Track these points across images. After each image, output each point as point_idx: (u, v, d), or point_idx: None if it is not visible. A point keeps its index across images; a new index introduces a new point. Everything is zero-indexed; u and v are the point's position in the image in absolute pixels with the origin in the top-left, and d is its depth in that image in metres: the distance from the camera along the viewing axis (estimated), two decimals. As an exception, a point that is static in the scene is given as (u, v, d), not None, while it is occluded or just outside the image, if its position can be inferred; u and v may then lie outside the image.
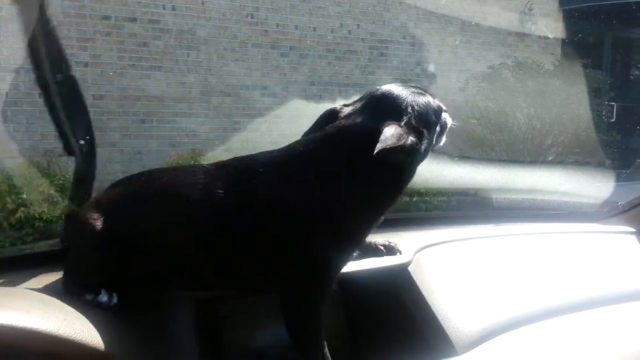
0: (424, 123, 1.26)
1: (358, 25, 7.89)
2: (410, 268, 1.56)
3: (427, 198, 5.27)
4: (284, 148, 1.30)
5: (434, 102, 1.33)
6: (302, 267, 1.25)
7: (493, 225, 2.07)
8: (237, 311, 1.49)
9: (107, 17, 6.38)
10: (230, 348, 1.47)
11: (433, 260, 1.66)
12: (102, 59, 6.37)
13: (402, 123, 1.21)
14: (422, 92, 1.32)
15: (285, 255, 1.24)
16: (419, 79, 8.14)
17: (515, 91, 7.80)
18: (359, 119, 1.25)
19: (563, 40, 9.07)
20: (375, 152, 1.13)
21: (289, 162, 1.25)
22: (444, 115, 1.36)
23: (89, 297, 1.25)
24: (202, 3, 6.88)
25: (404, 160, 1.21)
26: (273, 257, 1.25)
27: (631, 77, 11.70)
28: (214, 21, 6.96)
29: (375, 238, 1.56)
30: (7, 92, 5.93)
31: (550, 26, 8.84)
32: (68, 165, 5.80)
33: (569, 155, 7.48)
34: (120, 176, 1.46)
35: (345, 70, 7.79)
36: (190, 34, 6.81)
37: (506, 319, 1.55)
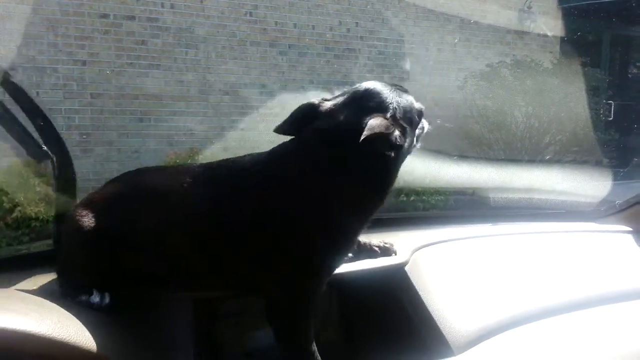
0: (408, 120, 1.27)
1: (357, 23, 7.87)
2: (406, 268, 1.55)
3: (424, 197, 5.27)
4: (274, 148, 1.29)
5: (416, 103, 1.33)
6: (293, 267, 1.24)
7: (490, 224, 2.07)
8: (233, 311, 1.48)
9: (105, 15, 6.37)
10: (226, 348, 1.47)
11: (430, 260, 1.66)
12: (100, 57, 6.36)
13: (388, 116, 1.22)
14: (405, 90, 1.32)
15: (276, 256, 1.24)
16: (418, 77, 8.13)
17: (514, 89, 7.80)
18: (344, 115, 1.23)
19: (562, 39, 9.06)
20: (362, 138, 1.13)
21: (279, 162, 1.25)
22: (423, 119, 1.35)
23: (82, 297, 1.24)
24: (201, 1, 6.87)
25: (388, 150, 1.20)
26: (263, 257, 1.24)
27: (630, 76, 11.70)
28: (213, 19, 6.94)
29: (371, 238, 1.56)
30: (3, 91, 5.91)
31: (549, 24, 8.84)
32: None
33: (566, 154, 7.48)
34: (117, 175, 1.45)
35: (344, 68, 7.78)
36: (189, 32, 6.80)
37: (503, 319, 1.55)
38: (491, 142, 7.61)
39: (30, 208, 4.66)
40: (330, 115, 1.24)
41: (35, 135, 1.60)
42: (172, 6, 6.71)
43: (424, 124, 1.37)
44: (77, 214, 1.30)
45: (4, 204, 4.68)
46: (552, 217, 2.31)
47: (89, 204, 1.33)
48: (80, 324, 1.10)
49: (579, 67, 7.94)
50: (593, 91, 8.06)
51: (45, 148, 1.48)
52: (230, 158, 1.32)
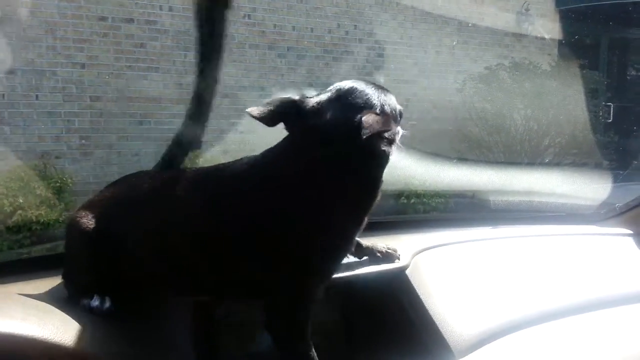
0: (394, 118, 1.26)
1: (355, 26, 7.89)
2: (407, 271, 1.56)
3: (425, 199, 5.28)
4: (267, 150, 1.28)
5: (397, 104, 1.31)
6: (291, 268, 1.23)
7: (491, 227, 2.07)
8: (233, 314, 1.48)
9: (104, 18, 6.38)
10: (226, 351, 1.47)
11: (431, 264, 1.66)
12: (99, 60, 6.36)
13: (378, 112, 1.20)
14: (387, 90, 1.29)
15: (274, 257, 1.23)
16: (417, 80, 8.15)
17: (512, 92, 7.82)
18: (333, 112, 1.20)
19: (560, 41, 9.09)
20: (364, 137, 1.12)
21: (272, 163, 1.24)
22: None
23: (83, 302, 1.24)
24: (199, 4, 6.87)
25: (386, 146, 1.19)
26: (261, 259, 1.23)
27: (628, 78, 11.73)
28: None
29: (375, 242, 1.55)
30: (3, 94, 5.92)
31: (547, 27, 8.86)
32: (64, 167, 5.80)
33: (566, 157, 7.50)
34: (117, 178, 1.46)
35: (343, 71, 7.79)
36: (187, 34, 6.80)
37: (504, 323, 1.55)
38: (490, 144, 7.63)
39: (31, 211, 4.67)
40: (318, 113, 1.21)
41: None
42: (170, 9, 6.72)
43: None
44: (78, 217, 1.30)
45: (5, 208, 4.68)
46: (552, 219, 2.31)
47: (89, 207, 1.33)
48: (83, 328, 1.10)
49: (577, 69, 7.96)
50: (592, 93, 8.07)
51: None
52: (229, 161, 1.32)
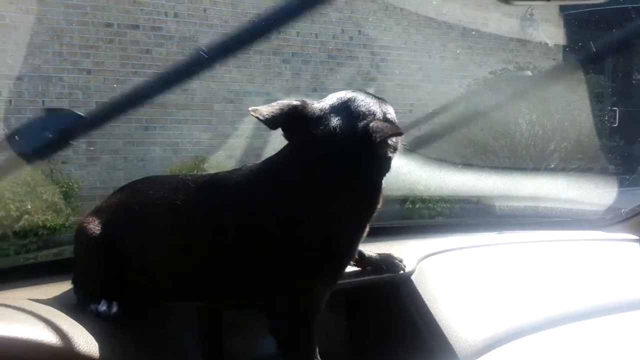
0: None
1: (359, 31, 7.91)
2: (413, 277, 1.56)
3: (430, 204, 5.27)
4: (268, 159, 1.28)
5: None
6: (294, 277, 1.23)
7: (496, 233, 2.06)
8: (240, 320, 1.49)
9: (109, 25, 6.42)
10: (233, 357, 1.47)
11: (436, 269, 1.66)
12: (105, 66, 6.40)
13: (382, 119, 1.22)
14: (385, 100, 1.31)
15: (277, 265, 1.23)
16: (421, 85, 8.15)
17: (517, 97, 7.79)
18: (337, 120, 1.20)
19: (564, 46, 9.07)
20: (377, 141, 1.13)
21: (276, 171, 1.25)
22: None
23: (91, 306, 1.25)
24: (204, 10, 6.91)
25: (392, 152, 1.21)
26: (264, 267, 1.23)
27: (633, 82, 11.69)
28: (216, 28, 6.98)
29: (380, 250, 1.55)
30: (10, 100, 5.96)
31: (552, 32, 8.85)
32: (71, 173, 5.83)
33: (571, 162, 7.47)
34: (123, 183, 1.47)
35: (347, 76, 7.80)
36: (193, 40, 6.84)
37: (510, 328, 1.55)
38: (496, 149, 7.61)
39: (37, 216, 4.69)
40: (320, 120, 1.21)
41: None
42: (175, 15, 6.76)
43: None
44: (86, 223, 1.31)
45: (12, 212, 4.70)
46: (558, 225, 2.31)
47: (97, 214, 1.34)
48: (91, 333, 1.11)
49: (582, 74, 7.94)
50: (597, 98, 8.05)
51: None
52: (235, 168, 1.33)
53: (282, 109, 1.22)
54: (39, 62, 6.05)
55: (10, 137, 1.63)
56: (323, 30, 7.67)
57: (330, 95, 1.27)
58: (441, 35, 8.34)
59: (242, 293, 1.30)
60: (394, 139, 1.20)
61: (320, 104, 1.25)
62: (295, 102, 1.24)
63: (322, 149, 1.20)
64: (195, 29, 6.87)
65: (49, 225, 4.68)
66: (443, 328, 1.47)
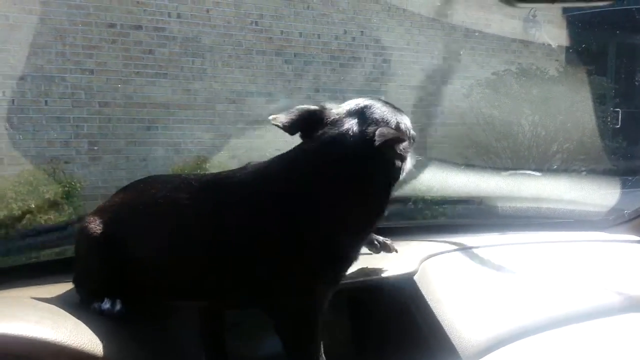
0: (408, 137, 1.30)
1: (362, 32, 7.91)
2: (416, 277, 1.56)
3: (432, 205, 5.26)
4: (276, 158, 1.29)
5: (412, 130, 1.34)
6: (298, 277, 1.24)
7: (498, 233, 2.06)
8: (242, 319, 1.49)
9: (112, 25, 6.42)
10: (235, 356, 1.47)
11: (439, 270, 1.66)
12: (108, 66, 6.41)
13: (394, 127, 1.24)
14: (403, 111, 1.34)
15: (281, 265, 1.23)
16: (424, 86, 8.15)
17: (520, 98, 7.80)
18: (350, 125, 1.23)
19: (567, 47, 9.07)
20: (376, 144, 1.15)
21: (284, 175, 1.25)
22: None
23: (95, 305, 1.26)
24: (207, 11, 6.92)
25: (398, 159, 1.23)
26: (268, 266, 1.24)
27: (636, 83, 11.67)
28: (219, 28, 6.99)
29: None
30: (13, 100, 5.98)
31: (554, 33, 8.84)
32: (73, 172, 5.84)
33: (574, 163, 7.46)
34: (125, 183, 1.47)
35: (350, 77, 7.80)
36: (195, 41, 6.85)
37: (512, 329, 1.55)
38: (498, 150, 7.61)
39: (40, 215, 4.70)
40: (335, 124, 1.24)
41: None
42: (178, 16, 6.76)
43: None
44: (89, 222, 1.32)
45: (14, 212, 4.71)
46: (561, 226, 2.31)
47: (99, 213, 1.35)
48: (95, 331, 1.12)
49: (585, 75, 7.93)
50: (600, 99, 8.04)
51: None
52: (238, 167, 1.33)
53: (300, 114, 1.26)
54: (41, 62, 6.06)
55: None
56: (326, 31, 7.67)
57: (348, 101, 1.30)
58: (444, 36, 8.34)
59: (245, 293, 1.30)
60: (401, 146, 1.21)
61: (338, 109, 1.28)
62: (313, 107, 1.27)
63: (332, 151, 1.21)
64: (198, 29, 6.88)
65: (51, 224, 4.69)
66: (446, 328, 1.47)
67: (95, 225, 1.30)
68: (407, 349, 1.51)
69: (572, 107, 7.57)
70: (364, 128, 1.21)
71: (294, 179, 1.23)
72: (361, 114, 1.25)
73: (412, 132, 1.33)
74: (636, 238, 2.12)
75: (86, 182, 5.78)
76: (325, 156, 1.22)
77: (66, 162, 5.94)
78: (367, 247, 1.53)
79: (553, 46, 8.87)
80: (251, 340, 1.50)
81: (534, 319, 1.61)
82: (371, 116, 1.24)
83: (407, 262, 1.60)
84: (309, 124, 1.25)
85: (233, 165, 1.37)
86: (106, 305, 1.26)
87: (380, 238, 1.56)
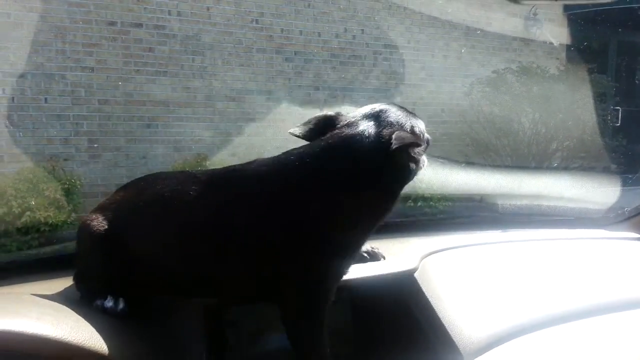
0: (422, 141, 1.33)
1: (362, 30, 7.90)
2: (416, 274, 1.56)
3: (432, 203, 5.26)
4: (284, 157, 1.29)
5: (427, 133, 1.38)
6: (300, 278, 1.25)
7: (499, 231, 2.06)
8: (243, 316, 1.49)
9: (113, 23, 6.41)
10: (236, 353, 1.47)
11: (439, 267, 1.66)
12: (108, 64, 6.40)
13: (409, 131, 1.27)
14: (417, 116, 1.37)
15: (283, 266, 1.24)
16: (424, 84, 8.14)
17: (520, 96, 7.79)
18: (361, 129, 1.26)
19: (568, 45, 9.06)
20: (393, 147, 1.18)
21: (294, 170, 1.25)
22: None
23: (97, 302, 1.25)
24: (207, 9, 6.91)
25: (412, 162, 1.25)
26: (271, 267, 1.25)
27: (636, 82, 11.66)
28: (219, 27, 6.98)
29: (382, 246, 1.57)
30: (13, 97, 5.97)
31: (555, 31, 8.83)
32: (73, 170, 5.84)
33: (574, 160, 7.46)
34: (126, 180, 1.47)
35: (350, 75, 7.79)
36: (196, 39, 6.84)
37: (513, 326, 1.55)
38: (498, 148, 7.60)
39: (39, 213, 4.69)
40: (352, 126, 1.27)
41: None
42: (178, 14, 6.76)
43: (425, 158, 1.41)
44: (91, 220, 1.31)
45: (14, 209, 4.71)
46: (561, 223, 2.30)
47: (102, 210, 1.34)
48: (96, 328, 1.11)
49: (585, 73, 7.92)
50: (600, 97, 8.03)
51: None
52: (243, 163, 1.33)
53: (317, 121, 1.31)
54: (42, 59, 6.06)
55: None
56: (326, 29, 7.66)
57: (364, 107, 1.34)
58: (444, 34, 8.33)
59: (255, 286, 1.31)
60: (416, 151, 1.24)
61: (353, 113, 1.32)
62: (329, 113, 1.32)
63: (347, 149, 1.24)
64: (198, 27, 6.87)
65: (50, 222, 4.69)
66: (446, 325, 1.47)
67: (98, 223, 1.30)
68: (407, 346, 1.51)
69: (573, 105, 7.56)
70: (379, 130, 1.25)
71: (307, 174, 1.24)
72: (377, 117, 1.28)
73: (426, 135, 1.37)
74: (636, 235, 2.12)
75: (86, 179, 5.77)
76: (340, 154, 1.24)
77: (66, 160, 5.93)
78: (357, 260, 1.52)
79: (554, 44, 8.86)
80: (252, 338, 1.50)
81: (535, 316, 1.61)
82: (387, 119, 1.27)
83: (407, 259, 1.60)
84: (324, 128, 1.29)
85: (233, 162, 1.37)
86: (109, 303, 1.26)
87: (369, 247, 1.57)
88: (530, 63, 8.22)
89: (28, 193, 4.82)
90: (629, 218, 2.21)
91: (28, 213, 4.72)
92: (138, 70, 6.55)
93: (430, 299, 1.52)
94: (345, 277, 1.35)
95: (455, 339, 1.44)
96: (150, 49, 6.60)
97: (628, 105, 9.61)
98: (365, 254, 1.56)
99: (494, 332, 1.51)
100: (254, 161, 1.31)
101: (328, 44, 7.68)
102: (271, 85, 7.25)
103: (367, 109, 1.32)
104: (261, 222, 1.23)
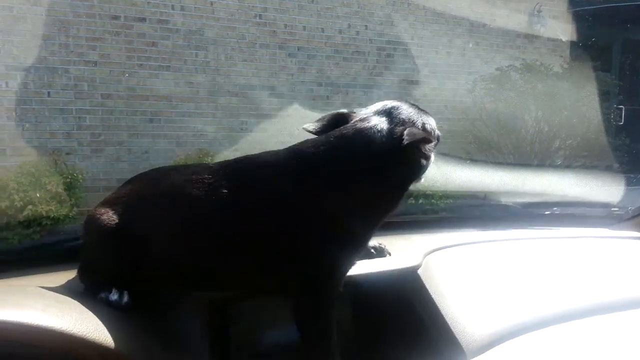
0: (432, 137, 1.34)
1: (366, 26, 7.88)
2: (419, 271, 1.56)
3: (433, 200, 5.25)
4: (294, 147, 1.30)
5: (437, 130, 1.40)
6: (310, 267, 1.26)
7: (502, 229, 2.06)
8: (248, 312, 1.49)
9: (116, 17, 6.41)
10: (241, 348, 1.47)
11: (442, 264, 1.66)
12: (111, 58, 6.40)
13: (420, 127, 1.29)
14: (427, 112, 1.39)
15: (294, 257, 1.25)
16: (427, 81, 8.13)
17: (524, 93, 7.77)
18: (374, 123, 1.28)
19: (572, 43, 9.03)
20: (404, 143, 1.20)
21: (302, 162, 1.26)
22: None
23: (102, 295, 1.26)
24: (211, 3, 6.90)
25: (423, 158, 1.28)
26: (281, 258, 1.26)
27: (641, 80, 11.62)
28: (223, 21, 6.97)
29: (385, 243, 1.57)
30: (16, 91, 5.97)
31: (560, 28, 8.80)
32: (75, 164, 5.85)
33: (577, 159, 7.44)
34: (128, 175, 1.46)
35: (353, 71, 7.78)
36: (199, 34, 6.83)
37: (516, 324, 1.55)
38: (501, 146, 7.59)
39: (41, 206, 4.71)
40: (364, 121, 1.29)
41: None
42: (182, 8, 6.75)
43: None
44: (97, 213, 1.31)
45: (16, 202, 4.72)
46: (564, 222, 2.30)
47: (108, 204, 1.34)
48: (99, 321, 1.12)
49: (589, 71, 7.90)
50: (604, 96, 8.01)
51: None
52: (249, 155, 1.33)
53: (330, 118, 1.34)
54: (45, 53, 6.06)
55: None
56: (329, 25, 7.64)
57: (376, 103, 1.37)
58: (448, 31, 8.31)
59: (263, 279, 1.32)
60: (427, 147, 1.26)
61: (366, 110, 1.34)
62: (341, 110, 1.36)
63: (359, 145, 1.25)
64: (201, 22, 6.86)
65: (52, 215, 4.70)
66: (449, 322, 1.47)
67: (105, 216, 1.30)
68: (410, 343, 1.51)
69: (576, 103, 7.54)
70: (391, 126, 1.27)
71: (319, 166, 1.25)
72: (389, 114, 1.30)
73: (437, 132, 1.39)
74: (639, 235, 2.11)
75: (88, 173, 5.78)
76: (352, 147, 1.26)
77: (68, 154, 5.95)
78: (364, 255, 1.53)
79: (557, 42, 8.83)
80: (256, 332, 1.50)
81: (538, 315, 1.61)
82: (398, 116, 1.30)
83: (411, 256, 1.60)
84: (337, 124, 1.32)
85: (235, 157, 1.36)
86: (114, 296, 1.26)
87: (376, 243, 1.59)
88: (534, 60, 8.20)
89: (30, 187, 4.82)
90: (632, 217, 2.20)
91: (30, 207, 4.74)
92: (141, 64, 6.55)
93: (433, 296, 1.52)
94: (348, 273, 1.35)
95: (458, 337, 1.44)
96: (154, 44, 6.60)
97: (632, 104, 9.58)
98: (372, 250, 1.57)
99: (496, 330, 1.50)
100: (265, 152, 1.32)
101: (331, 39, 7.67)
102: (274, 81, 7.24)
103: (379, 105, 1.34)
104: (272, 214, 1.23)
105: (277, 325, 1.48)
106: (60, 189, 5.00)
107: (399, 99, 1.40)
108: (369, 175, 1.25)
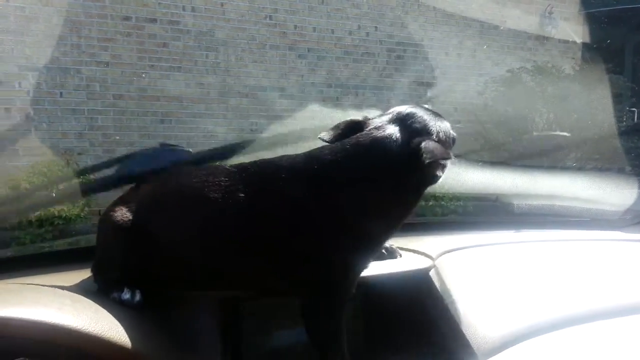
0: (448, 145, 1.34)
1: (376, 27, 7.88)
2: (431, 273, 1.56)
3: (443, 202, 5.24)
4: (311, 153, 1.30)
5: (451, 130, 1.39)
6: (324, 270, 1.27)
7: (514, 231, 2.05)
8: (260, 310, 1.49)
9: (127, 18, 6.46)
10: (253, 347, 1.48)
11: (454, 266, 1.65)
12: (123, 59, 6.45)
13: (435, 138, 1.27)
14: (442, 116, 1.37)
15: (308, 259, 1.25)
16: (437, 82, 8.10)
17: (535, 96, 7.73)
18: (390, 132, 1.27)
19: (584, 45, 8.96)
20: (426, 162, 1.19)
21: (319, 168, 1.26)
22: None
23: (114, 294, 1.27)
24: (221, 5, 6.93)
25: (441, 172, 1.26)
26: (296, 261, 1.26)
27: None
28: (233, 22, 7.00)
29: (397, 245, 1.57)
30: (28, 91, 6.03)
31: (571, 30, 8.74)
32: (87, 164, 5.89)
33: (589, 161, 7.39)
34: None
35: (363, 72, 7.78)
36: (209, 35, 6.86)
37: (528, 326, 1.54)
38: (511, 148, 7.54)
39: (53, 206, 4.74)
40: (380, 129, 1.28)
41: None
42: (193, 9, 6.79)
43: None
44: (111, 212, 1.32)
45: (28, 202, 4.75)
46: (577, 225, 2.29)
47: (123, 203, 1.35)
48: (113, 319, 1.13)
49: (601, 73, 7.84)
50: (616, 98, 7.94)
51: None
52: (265, 158, 1.33)
53: (345, 126, 1.34)
54: (57, 54, 6.12)
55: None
56: (339, 26, 7.65)
57: (390, 110, 1.35)
58: (458, 32, 8.28)
59: (277, 280, 1.32)
60: (450, 161, 1.26)
61: (380, 118, 1.33)
62: (358, 118, 1.34)
63: (377, 152, 1.25)
64: (212, 23, 6.90)
65: (64, 215, 4.74)
66: (461, 324, 1.46)
67: (118, 215, 1.31)
68: (421, 344, 1.51)
69: (588, 105, 7.48)
70: (407, 136, 1.26)
71: (336, 172, 1.25)
72: (402, 123, 1.29)
73: (452, 134, 1.37)
74: (653, 237, 2.10)
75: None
76: (370, 154, 1.25)
77: (80, 154, 6.00)
78: (376, 257, 1.53)
79: (569, 44, 8.77)
80: (268, 331, 1.51)
81: (549, 317, 1.60)
82: (413, 125, 1.28)
83: (422, 258, 1.59)
84: (351, 132, 1.31)
85: (245, 159, 1.37)
86: (126, 295, 1.27)
87: (388, 244, 1.59)
88: (545, 62, 8.15)
89: (42, 187, 4.86)
90: (645, 220, 2.19)
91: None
92: (152, 65, 6.59)
93: (445, 298, 1.51)
94: (361, 274, 1.35)
95: (469, 338, 1.44)
96: (165, 45, 6.64)
97: (644, 107, 9.48)
98: (384, 251, 1.58)
99: (508, 332, 1.50)
100: (281, 157, 1.32)
101: (341, 41, 7.67)
102: (284, 82, 7.26)
103: (394, 113, 1.33)
104: (288, 217, 1.23)
105: (289, 324, 1.48)
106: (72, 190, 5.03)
107: (410, 101, 1.38)
108: (384, 183, 1.25)
